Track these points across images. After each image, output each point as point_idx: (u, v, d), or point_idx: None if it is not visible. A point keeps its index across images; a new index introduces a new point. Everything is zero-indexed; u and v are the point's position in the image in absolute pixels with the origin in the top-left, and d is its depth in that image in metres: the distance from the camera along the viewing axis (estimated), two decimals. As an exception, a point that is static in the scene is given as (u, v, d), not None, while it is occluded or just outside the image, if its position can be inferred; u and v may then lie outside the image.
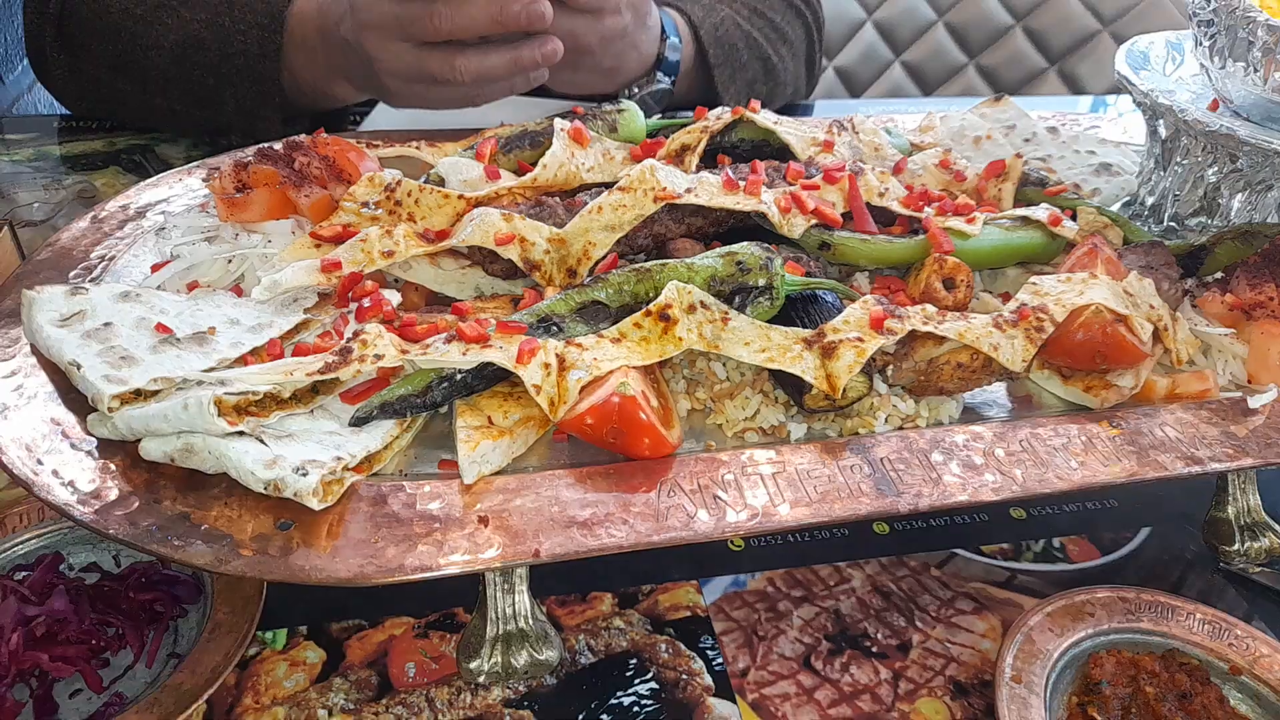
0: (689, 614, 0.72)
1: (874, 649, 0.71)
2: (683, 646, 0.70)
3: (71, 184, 1.18)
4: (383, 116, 1.25)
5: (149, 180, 0.88)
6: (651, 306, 0.66)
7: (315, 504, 0.56)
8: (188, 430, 0.57)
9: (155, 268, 0.77)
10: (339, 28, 1.07)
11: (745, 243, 0.69)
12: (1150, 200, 0.95)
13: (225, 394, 0.57)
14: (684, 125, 0.89)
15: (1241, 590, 0.77)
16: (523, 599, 0.65)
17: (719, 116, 0.87)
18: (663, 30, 1.22)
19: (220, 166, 0.87)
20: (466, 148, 0.87)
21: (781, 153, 0.88)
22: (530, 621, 0.65)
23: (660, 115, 1.27)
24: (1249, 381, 0.75)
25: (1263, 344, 0.74)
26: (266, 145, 0.83)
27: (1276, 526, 0.79)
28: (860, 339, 0.65)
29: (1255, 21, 0.81)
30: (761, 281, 0.68)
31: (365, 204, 0.78)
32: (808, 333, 0.66)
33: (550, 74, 1.09)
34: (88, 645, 0.64)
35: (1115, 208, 0.99)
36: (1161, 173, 0.93)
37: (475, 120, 1.12)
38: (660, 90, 1.24)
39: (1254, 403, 0.71)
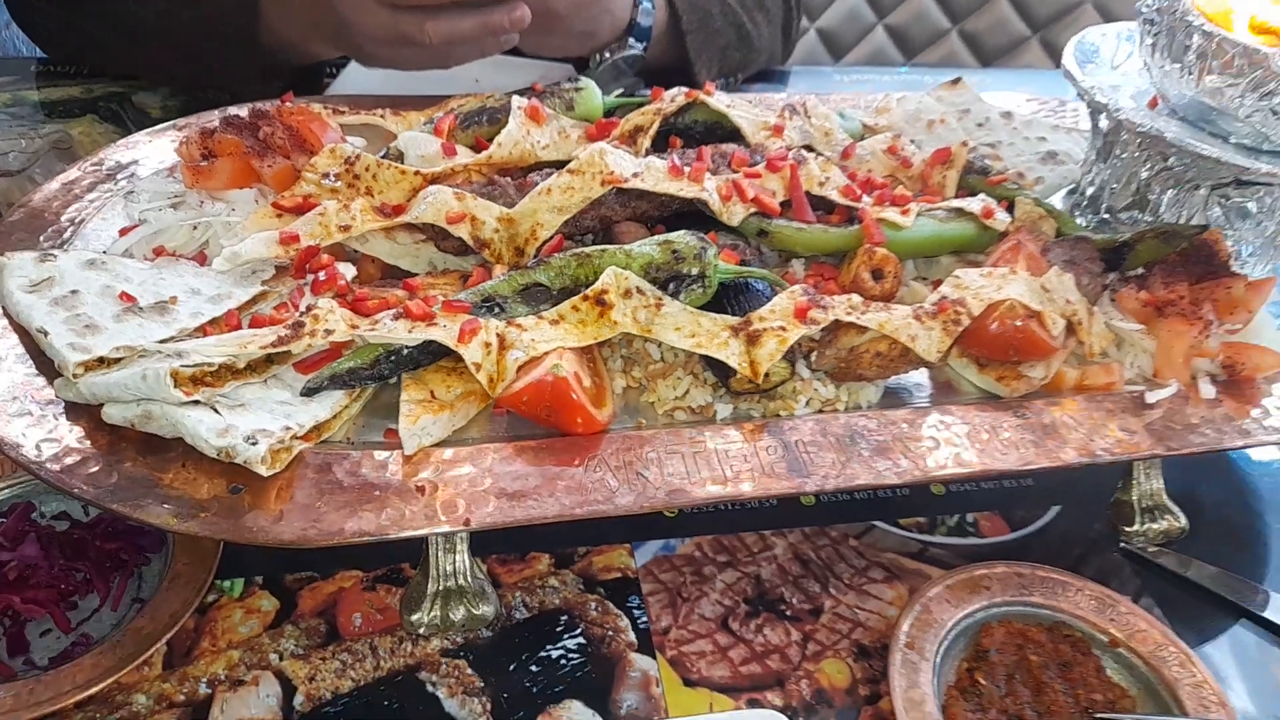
0: (620, 575, 0.78)
1: (788, 613, 0.76)
2: (611, 605, 0.76)
3: (48, 133, 1.21)
4: (356, 75, 1.27)
5: (120, 142, 0.91)
6: (589, 291, 0.70)
7: (264, 470, 0.60)
8: (147, 398, 0.61)
9: (123, 231, 0.80)
10: None
11: (682, 232, 0.73)
12: (1090, 191, 0.98)
13: (181, 366, 0.61)
14: (640, 104, 0.92)
15: (1136, 568, 0.83)
16: (462, 558, 0.70)
17: (673, 99, 0.90)
18: None
19: (189, 129, 0.90)
20: (427, 121, 0.90)
21: (734, 134, 0.92)
22: (469, 579, 0.71)
23: (631, 84, 1.30)
24: (1155, 376, 0.80)
25: (1169, 341, 0.78)
26: (233, 114, 0.85)
27: (1175, 510, 0.85)
28: (784, 328, 0.70)
29: (1192, 26, 0.84)
30: (695, 270, 0.72)
31: (326, 175, 0.81)
32: (735, 320, 0.71)
33: (522, 37, 1.11)
34: (57, 589, 0.69)
35: (1059, 195, 1.03)
36: (1101, 165, 0.96)
37: (447, 81, 1.14)
38: (632, 55, 1.26)
39: (1151, 397, 0.76)
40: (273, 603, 0.73)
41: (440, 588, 0.70)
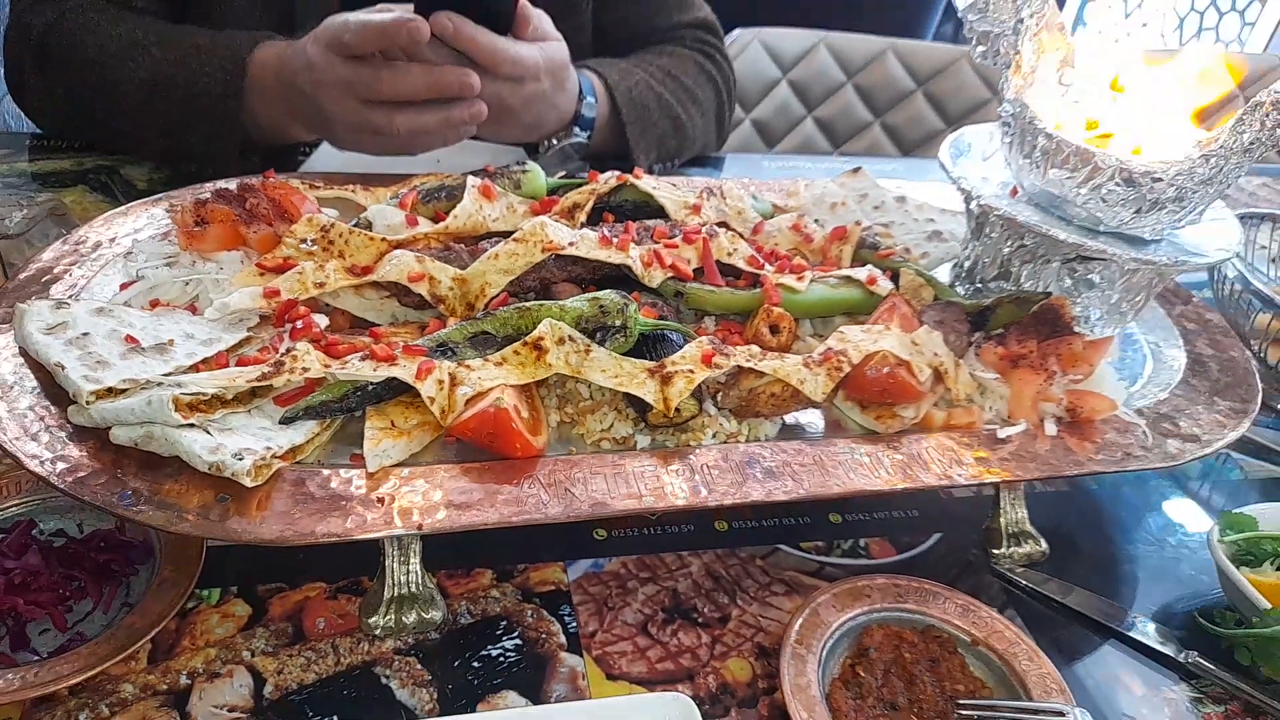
0: (554, 588, 0.89)
1: (700, 620, 0.88)
2: (545, 613, 0.87)
3: (44, 201, 1.32)
4: (328, 155, 1.41)
5: (118, 210, 1.03)
6: (528, 338, 0.83)
7: (248, 482, 0.71)
8: (149, 421, 0.72)
9: (123, 286, 0.92)
10: (296, 79, 1.23)
11: (608, 290, 0.87)
12: (967, 264, 1.14)
13: (181, 393, 0.72)
14: (579, 185, 1.07)
15: (1004, 586, 0.96)
16: (415, 569, 0.81)
17: (606, 180, 1.05)
18: (581, 91, 1.40)
19: (182, 200, 1.03)
20: (393, 195, 1.04)
21: (660, 212, 1.06)
22: (420, 587, 0.82)
23: (577, 167, 1.45)
24: (1009, 418, 0.94)
25: (1019, 388, 0.93)
26: (223, 186, 0.98)
27: (1037, 536, 0.98)
28: (692, 370, 0.83)
29: (1038, 130, 1.01)
30: (619, 322, 0.85)
31: (304, 240, 0.94)
32: (652, 364, 0.84)
33: (479, 128, 1.26)
34: (55, 594, 0.79)
35: (945, 268, 1.19)
36: (975, 243, 1.12)
37: (411, 161, 1.29)
38: (577, 143, 1.41)
39: (1002, 433, 0.90)
40: (246, 609, 0.83)
41: (395, 594, 0.81)
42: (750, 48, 2.09)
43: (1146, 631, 0.91)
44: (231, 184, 1.00)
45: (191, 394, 0.73)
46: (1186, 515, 1.09)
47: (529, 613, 0.87)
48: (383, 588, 0.82)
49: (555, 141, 1.39)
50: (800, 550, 0.97)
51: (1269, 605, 0.87)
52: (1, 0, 1.92)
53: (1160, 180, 0.95)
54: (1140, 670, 0.89)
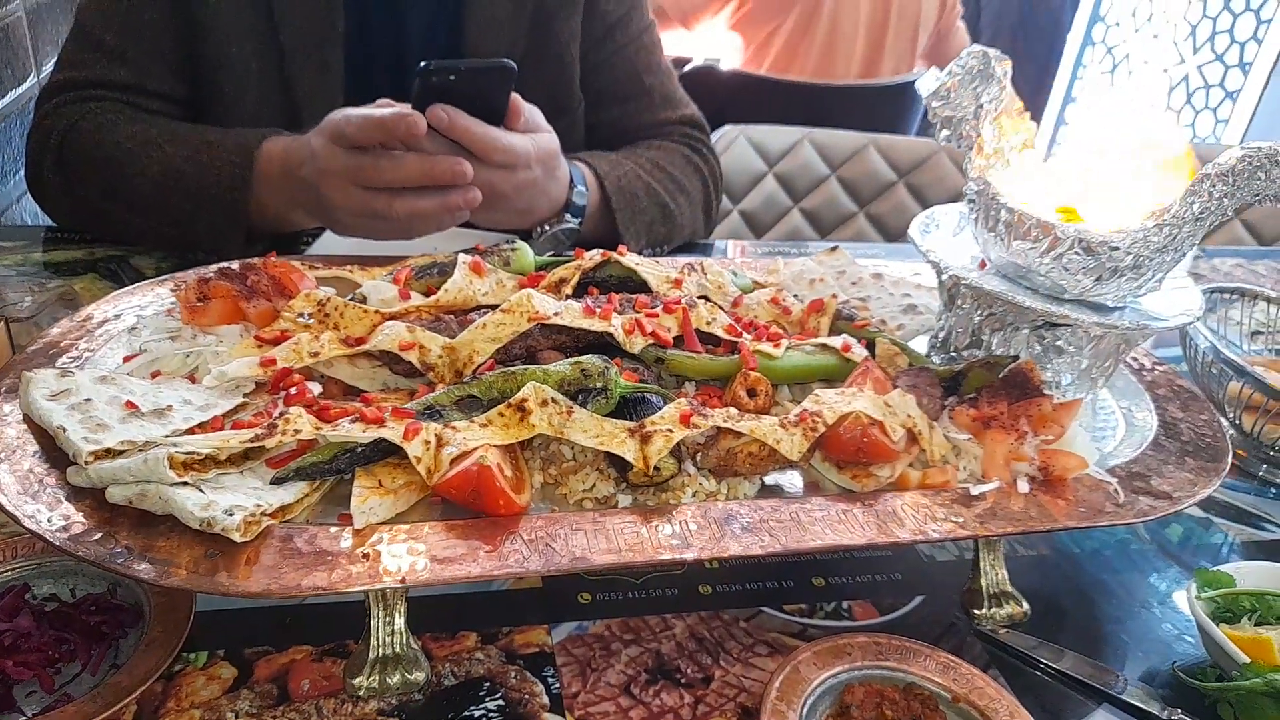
0: (538, 650, 0.90)
1: (683, 680, 0.89)
2: (529, 674, 0.87)
3: (54, 287, 1.38)
4: (330, 241, 1.47)
5: (125, 289, 1.08)
6: (512, 400, 0.86)
7: (238, 537, 0.74)
8: (144, 480, 0.75)
9: (127, 359, 0.96)
10: (300, 169, 1.30)
11: (590, 355, 0.91)
12: (942, 335, 1.18)
13: (176, 452, 0.75)
14: (565, 263, 1.12)
15: (987, 646, 0.97)
16: (399, 630, 0.83)
17: (591, 257, 1.10)
18: (572, 179, 1.47)
19: (185, 279, 1.08)
20: (388, 273, 1.08)
21: (644, 286, 1.11)
22: (404, 648, 0.83)
23: (569, 249, 1.51)
24: (984, 477, 0.96)
25: (991, 448, 0.96)
26: (226, 265, 1.03)
27: (1018, 596, 0.99)
28: (670, 430, 0.86)
29: (1001, 204, 1.06)
30: (600, 385, 0.89)
31: (301, 314, 0.98)
32: (632, 424, 0.87)
33: (474, 215, 1.32)
34: (44, 655, 0.80)
35: (921, 340, 1.23)
36: (948, 313, 1.16)
37: (408, 246, 1.34)
38: (569, 229, 1.48)
39: (975, 490, 0.92)
40: (232, 671, 0.84)
41: (379, 655, 0.82)
42: (737, 143, 2.19)
43: (1130, 691, 0.91)
44: (235, 264, 1.05)
45: (186, 453, 0.76)
46: (1167, 577, 1.10)
47: (512, 674, 0.87)
48: (367, 648, 0.83)
49: (548, 228, 1.45)
50: (784, 612, 0.98)
51: (1248, 660, 0.88)
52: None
53: (1117, 249, 0.99)
54: (1125, 729, 0.89)
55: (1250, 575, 0.99)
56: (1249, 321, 1.64)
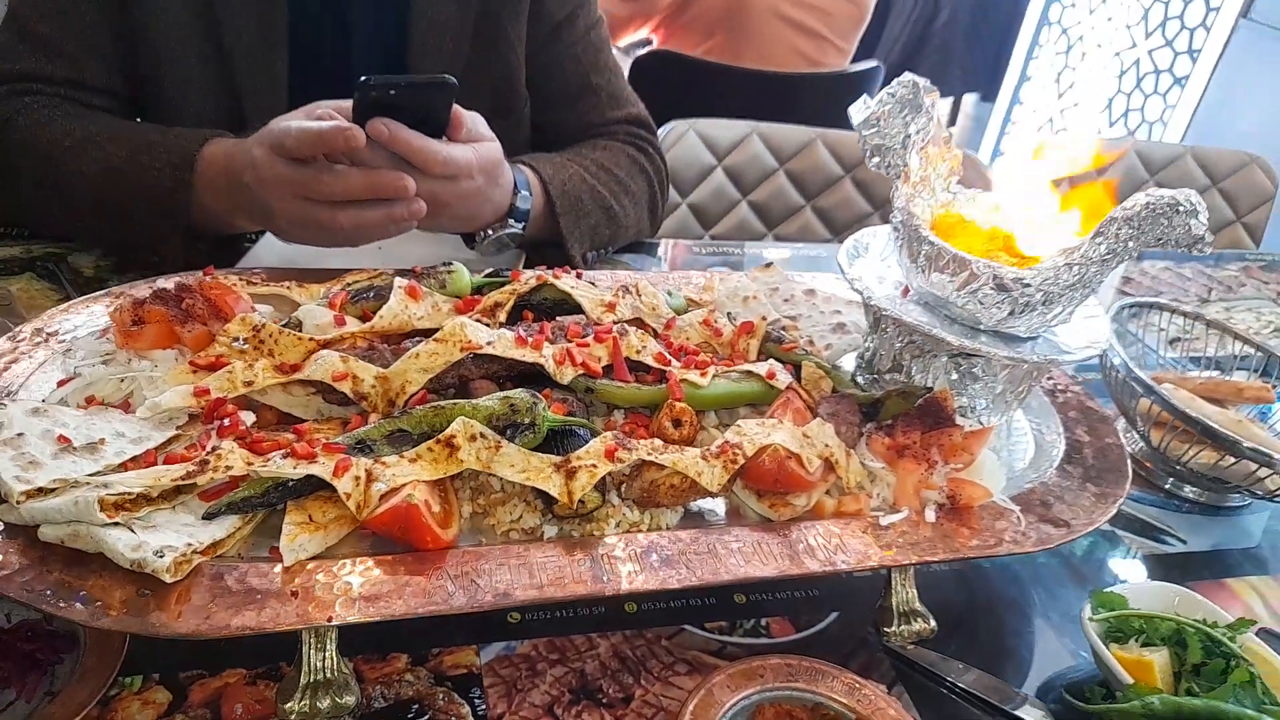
0: (466, 671, 0.94)
1: (604, 700, 0.93)
2: (456, 696, 0.91)
3: (-10, 290, 1.37)
4: (272, 244, 1.47)
5: (60, 307, 1.08)
6: (441, 436, 0.89)
7: (168, 578, 0.76)
8: (76, 520, 0.77)
9: (61, 383, 0.97)
10: (243, 175, 1.30)
11: (519, 389, 0.94)
12: (868, 355, 1.22)
13: (107, 494, 0.77)
14: (502, 284, 1.14)
15: (895, 662, 1.03)
16: (330, 655, 0.86)
17: (526, 281, 1.12)
18: (516, 185, 1.48)
19: (121, 299, 1.09)
20: (324, 295, 1.10)
21: (578, 308, 1.14)
22: (335, 673, 0.86)
23: (514, 254, 1.53)
24: (895, 504, 1.01)
25: (903, 477, 1.01)
26: (162, 287, 1.04)
27: (926, 614, 1.05)
28: (595, 465, 0.90)
29: (923, 237, 1.10)
30: (529, 420, 0.92)
31: (236, 339, 1.00)
32: (558, 459, 0.90)
33: (417, 222, 1.34)
34: (-22, 685, 0.83)
35: (849, 357, 1.27)
36: (874, 335, 1.21)
37: (351, 254, 1.35)
38: (512, 233, 1.49)
39: (884, 521, 0.97)
40: (166, 695, 0.87)
41: (310, 680, 0.85)
42: (686, 137, 2.21)
43: (1022, 707, 0.98)
44: (170, 282, 1.06)
45: (117, 494, 0.78)
46: (1070, 592, 1.17)
47: (440, 696, 0.91)
48: (299, 673, 0.86)
49: (490, 233, 1.47)
50: (704, 630, 1.03)
51: (1132, 681, 0.94)
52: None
53: (1029, 286, 1.04)
54: (1017, 743, 0.95)
55: (1142, 595, 1.06)
56: (1170, 329, 1.71)
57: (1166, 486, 1.40)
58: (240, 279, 1.14)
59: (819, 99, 2.69)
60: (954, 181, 1.22)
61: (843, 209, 2.36)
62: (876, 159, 1.19)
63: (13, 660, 0.85)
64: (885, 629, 1.04)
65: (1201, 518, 1.35)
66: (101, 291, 1.14)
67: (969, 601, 1.13)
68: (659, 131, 2.08)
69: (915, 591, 1.05)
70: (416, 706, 0.90)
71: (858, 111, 1.19)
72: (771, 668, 0.94)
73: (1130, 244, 1.02)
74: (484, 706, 0.91)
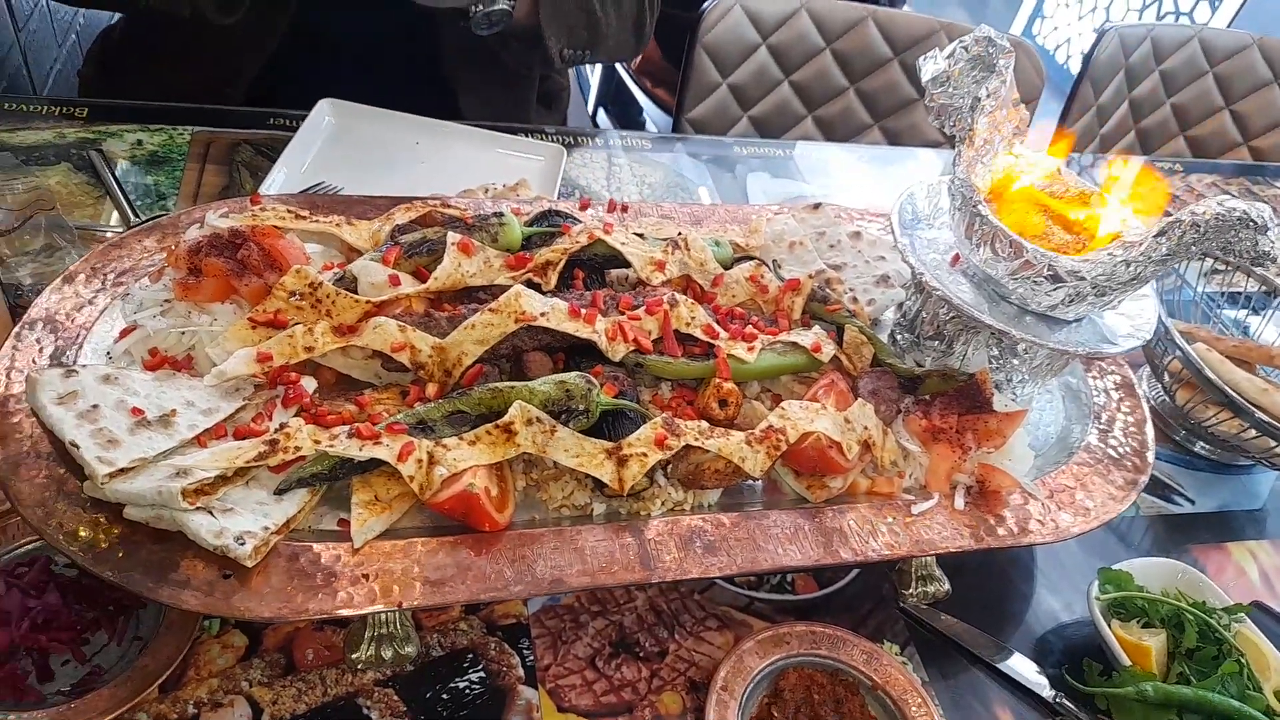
0: (515, 621, 1.02)
1: (641, 654, 1.01)
2: (506, 646, 0.99)
3: (28, 190, 1.35)
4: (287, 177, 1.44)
5: (111, 241, 1.08)
6: (500, 421, 0.92)
7: (249, 563, 0.81)
8: (160, 506, 0.81)
9: (123, 333, 0.99)
10: None
11: (573, 374, 0.96)
12: (910, 314, 1.23)
13: (187, 484, 0.81)
14: (552, 235, 1.13)
15: (909, 622, 1.11)
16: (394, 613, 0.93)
17: (576, 239, 1.12)
18: None
19: (174, 235, 1.09)
20: (376, 247, 1.09)
21: (628, 263, 1.14)
22: (398, 627, 0.94)
23: (500, 28, 1.52)
24: (926, 486, 1.06)
25: (936, 462, 1.05)
26: (215, 232, 1.04)
27: (941, 577, 1.12)
28: (645, 453, 0.93)
29: (979, 214, 1.08)
30: (582, 406, 0.94)
31: (293, 293, 1.01)
32: (610, 445, 0.94)
33: None
34: (74, 630, 0.90)
35: (890, 312, 1.28)
36: (917, 296, 1.21)
37: (390, 166, 1.33)
38: (501, 10, 1.49)
39: (916, 510, 1.02)
40: (243, 639, 0.95)
41: (375, 633, 0.93)
42: (732, 13, 2.09)
43: (1024, 671, 1.07)
44: (223, 224, 1.06)
45: (197, 481, 0.82)
46: (1080, 559, 1.23)
47: (492, 645, 0.99)
48: (365, 626, 0.93)
49: (482, 6, 1.48)
50: (734, 585, 1.10)
51: (1129, 664, 1.02)
52: None
53: (1084, 279, 1.04)
54: (1015, 706, 1.05)
55: (1143, 571, 1.13)
56: (1207, 262, 1.70)
57: (1178, 439, 1.44)
58: (289, 211, 1.13)
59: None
60: (1018, 143, 1.18)
61: (887, 94, 2.26)
62: (940, 119, 1.15)
63: (101, 604, 0.92)
64: (902, 590, 1.11)
65: (1211, 475, 1.40)
66: (148, 222, 1.13)
67: (982, 563, 1.19)
68: (703, 6, 1.98)
69: (934, 556, 1.12)
70: (470, 656, 0.98)
71: (928, 67, 1.14)
72: (797, 635, 1.02)
73: (1193, 248, 1.00)
74: (532, 657, 0.99)
